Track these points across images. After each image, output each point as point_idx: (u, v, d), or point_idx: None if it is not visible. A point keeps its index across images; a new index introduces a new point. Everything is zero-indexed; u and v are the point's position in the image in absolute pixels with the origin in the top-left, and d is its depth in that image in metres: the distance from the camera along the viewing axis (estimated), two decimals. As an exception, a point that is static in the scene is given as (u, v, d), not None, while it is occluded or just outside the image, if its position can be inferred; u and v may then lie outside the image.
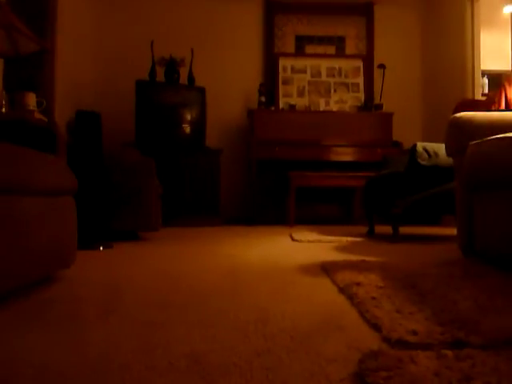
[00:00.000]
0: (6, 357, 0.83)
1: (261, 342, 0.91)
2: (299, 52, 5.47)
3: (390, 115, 5.12)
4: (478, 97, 4.62)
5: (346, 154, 4.99)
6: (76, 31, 4.51)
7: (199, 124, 4.90)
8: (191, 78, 4.99)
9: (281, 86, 5.31)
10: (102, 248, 2.62)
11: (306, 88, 5.35)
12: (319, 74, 5.40)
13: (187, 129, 4.89)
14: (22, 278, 1.28)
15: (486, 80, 5.47)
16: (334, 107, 5.33)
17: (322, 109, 5.31)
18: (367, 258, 2.10)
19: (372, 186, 3.53)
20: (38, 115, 2.75)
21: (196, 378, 0.72)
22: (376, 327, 0.99)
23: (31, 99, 2.81)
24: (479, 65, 4.66)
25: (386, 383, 0.65)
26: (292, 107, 5.19)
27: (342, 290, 1.40)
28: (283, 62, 5.37)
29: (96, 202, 2.78)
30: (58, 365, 0.78)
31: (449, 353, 0.76)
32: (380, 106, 5.25)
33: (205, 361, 0.80)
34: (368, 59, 5.50)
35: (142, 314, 1.14)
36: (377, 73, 5.48)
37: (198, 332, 0.98)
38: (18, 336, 0.96)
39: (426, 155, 2.95)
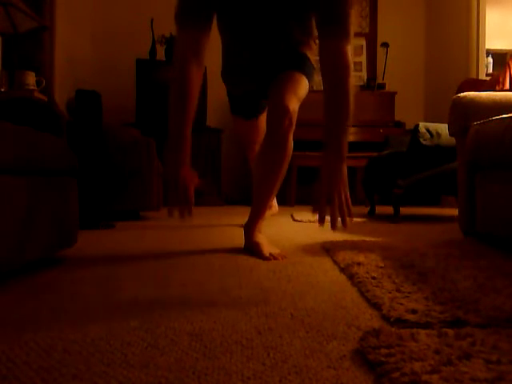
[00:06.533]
0: (9, 338, 0.83)
1: (262, 321, 0.92)
2: (301, 30, 5.38)
3: (392, 95, 5.07)
4: (483, 76, 4.56)
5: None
6: (75, 9, 4.44)
7: (200, 103, 4.82)
8: (192, 57, 4.93)
9: (282, 65, 5.24)
10: (103, 228, 2.63)
11: (308, 67, 5.28)
12: (321, 53, 5.32)
13: (188, 108, 4.85)
14: (21, 258, 1.28)
15: (490, 59, 5.40)
16: (335, 87, 5.27)
17: (323, 88, 5.24)
18: (368, 238, 2.11)
19: (373, 166, 3.51)
20: (37, 94, 2.73)
21: (198, 355, 0.73)
22: (376, 306, 0.99)
23: (31, 78, 2.79)
24: (484, 43, 4.58)
25: (386, 360, 0.65)
26: (293, 87, 5.14)
27: (342, 270, 1.41)
28: (285, 41, 5.29)
29: (96, 182, 2.78)
30: (62, 343, 0.79)
31: (449, 331, 0.77)
32: (383, 86, 5.19)
33: (207, 338, 0.81)
34: (371, 37, 5.42)
35: (144, 293, 1.15)
36: (380, 51, 5.41)
37: (199, 310, 0.98)
38: (22, 316, 0.97)
39: (428, 135, 2.94)
